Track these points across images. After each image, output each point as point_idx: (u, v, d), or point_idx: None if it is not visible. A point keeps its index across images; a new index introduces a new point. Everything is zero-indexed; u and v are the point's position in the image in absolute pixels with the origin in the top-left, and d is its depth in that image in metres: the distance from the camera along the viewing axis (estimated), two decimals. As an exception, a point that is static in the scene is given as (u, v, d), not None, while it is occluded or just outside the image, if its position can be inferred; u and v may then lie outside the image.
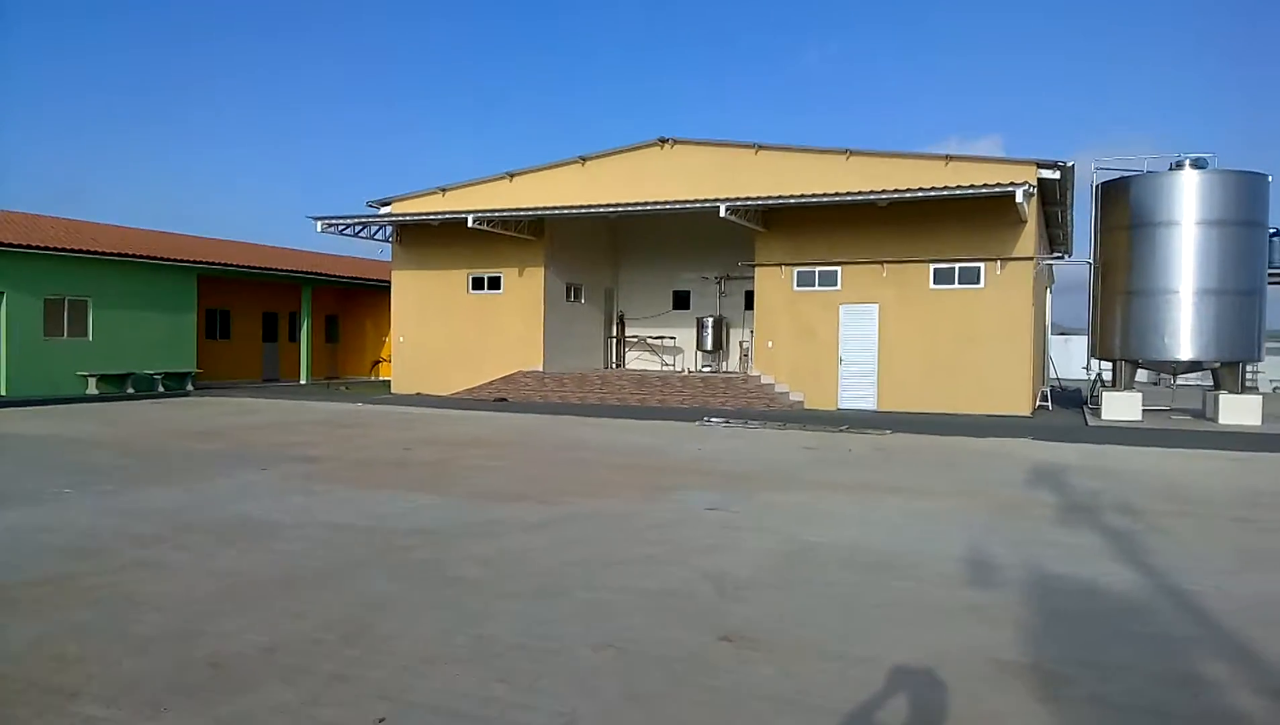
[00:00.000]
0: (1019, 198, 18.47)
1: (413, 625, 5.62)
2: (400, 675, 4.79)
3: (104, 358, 25.84)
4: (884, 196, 20.31)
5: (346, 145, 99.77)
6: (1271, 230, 31.40)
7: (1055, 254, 27.35)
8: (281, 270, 31.48)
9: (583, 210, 23.24)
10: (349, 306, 37.53)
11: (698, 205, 21.64)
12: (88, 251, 25.29)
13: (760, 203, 21.10)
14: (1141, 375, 22.86)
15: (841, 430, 18.93)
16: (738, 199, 21.14)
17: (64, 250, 24.63)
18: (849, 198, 20.60)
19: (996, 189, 18.88)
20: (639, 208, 22.95)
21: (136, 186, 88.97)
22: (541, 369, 25.25)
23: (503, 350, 25.60)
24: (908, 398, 21.74)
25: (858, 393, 22.39)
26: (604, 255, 28.94)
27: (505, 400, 24.34)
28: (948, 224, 21.16)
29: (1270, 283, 31.14)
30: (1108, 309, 21.13)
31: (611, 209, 23.09)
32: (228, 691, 4.53)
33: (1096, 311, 21.50)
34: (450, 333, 26.47)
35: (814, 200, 20.92)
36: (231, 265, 29.63)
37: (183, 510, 9.15)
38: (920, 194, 19.83)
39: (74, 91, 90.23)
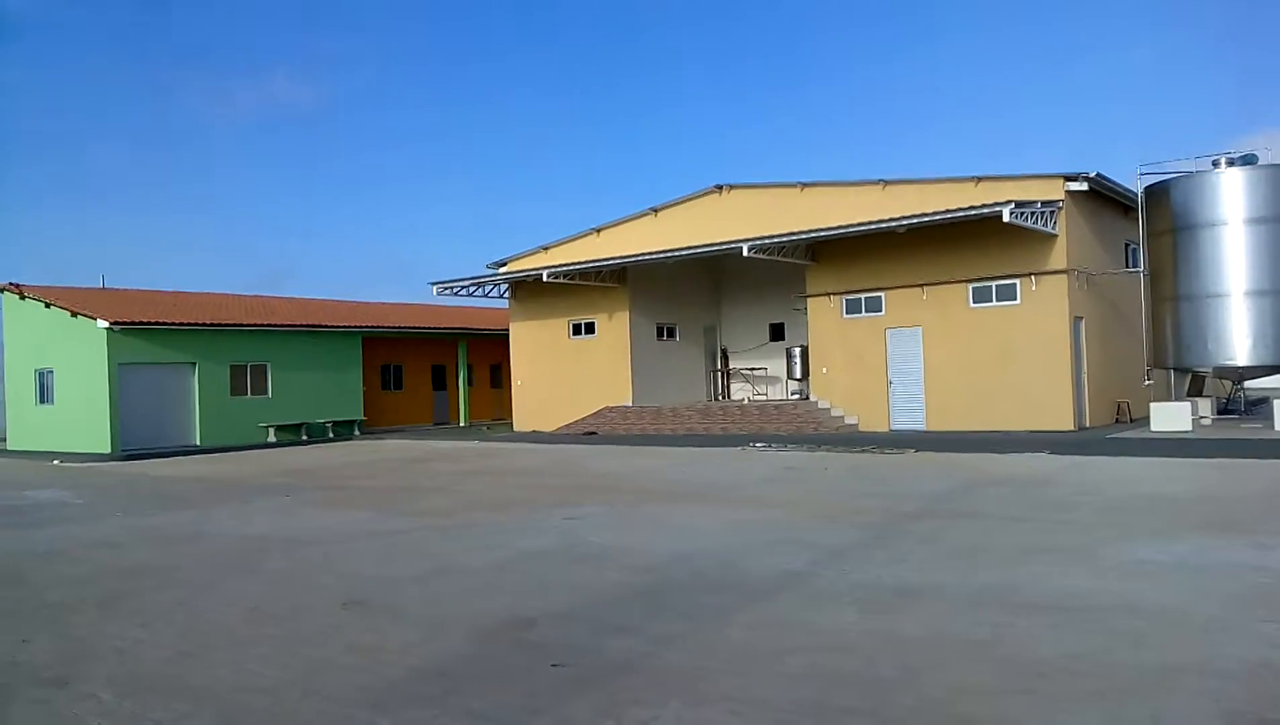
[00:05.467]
0: (1006, 217, 18.68)
1: (155, 592, 8.21)
2: (34, 616, 7.37)
3: (282, 411, 31.01)
4: (879, 226, 21.03)
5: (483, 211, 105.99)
6: None
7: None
8: (434, 328, 35.95)
9: (616, 261, 25.49)
10: (511, 355, 41.56)
11: (723, 247, 23.31)
12: (265, 324, 30.63)
13: (776, 240, 22.42)
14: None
15: (864, 451, 19.84)
16: (761, 237, 22.57)
17: (244, 325, 30.04)
18: (857, 229, 21.55)
19: (984, 210, 19.18)
20: (649, 257, 24.98)
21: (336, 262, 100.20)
22: (630, 404, 27.56)
23: (597, 388, 28.19)
24: (953, 417, 22.04)
25: (907, 414, 22.92)
26: (703, 295, 30.86)
27: (595, 433, 26.84)
28: (982, 243, 21.43)
29: None
30: (1158, 317, 20.49)
31: (625, 260, 25.16)
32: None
33: (1149, 320, 20.86)
34: (556, 375, 29.44)
35: (809, 236, 22.14)
36: (389, 327, 34.38)
37: (162, 527, 12.39)
38: (917, 220, 20.43)
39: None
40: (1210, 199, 19.38)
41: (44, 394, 30.12)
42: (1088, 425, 21.15)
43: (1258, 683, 5.02)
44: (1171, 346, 20.12)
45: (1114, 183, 21.23)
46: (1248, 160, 19.40)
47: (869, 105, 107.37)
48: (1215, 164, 19.48)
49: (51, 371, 29.64)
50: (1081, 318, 21.23)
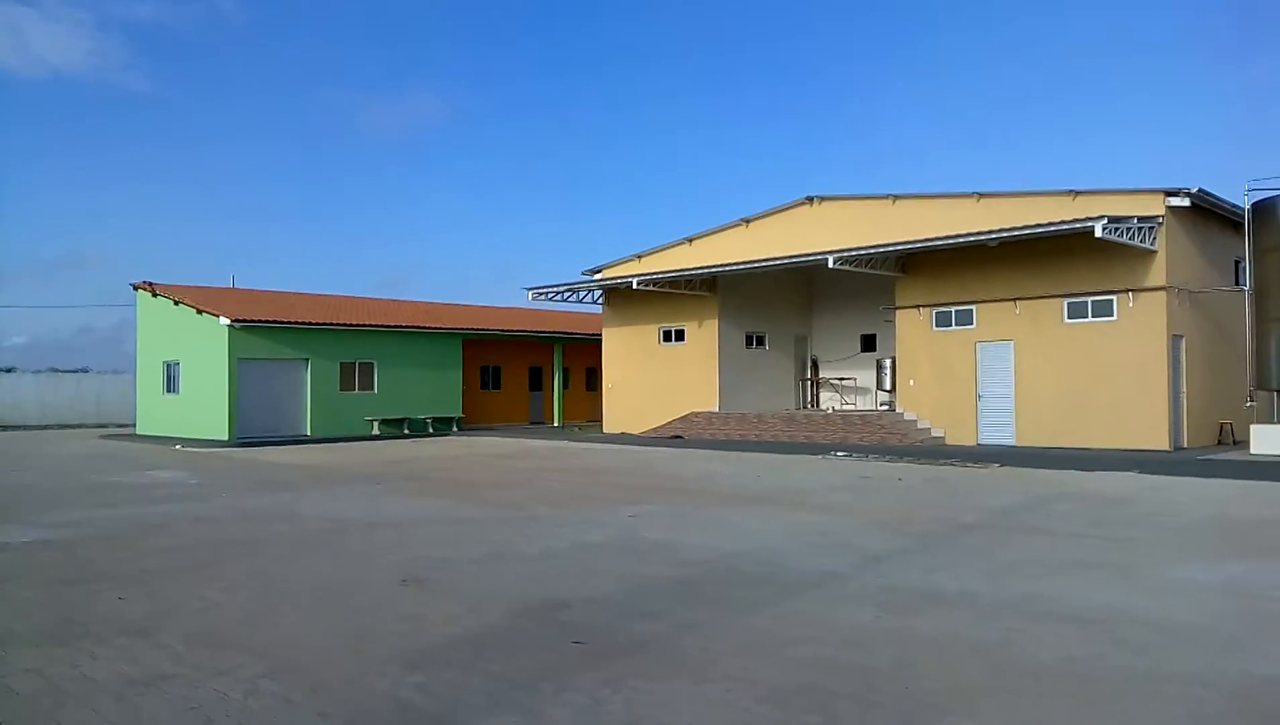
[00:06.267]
0: (1099, 232, 18.25)
1: (241, 562, 9.04)
2: (171, 581, 8.21)
3: (386, 406, 32.51)
4: (968, 239, 20.76)
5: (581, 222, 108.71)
6: None
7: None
8: (530, 331, 37.02)
9: (705, 270, 25.84)
10: (606, 359, 42.39)
11: (810, 258, 23.41)
12: (373, 325, 32.19)
13: (864, 251, 22.41)
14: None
15: (946, 464, 19.68)
16: (848, 249, 22.60)
17: (354, 325, 31.64)
18: (945, 242, 21.39)
19: (1076, 225, 18.78)
20: (737, 267, 25.34)
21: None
22: (716, 410, 27.88)
23: (685, 394, 28.62)
24: (1045, 433, 21.61)
25: (996, 428, 22.56)
26: (794, 304, 30.95)
27: (681, 437, 27.26)
28: (1078, 258, 20.98)
29: None
30: (1263, 336, 19.68)
31: (713, 269, 25.58)
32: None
33: (1253, 339, 20.04)
34: (645, 380, 30.00)
35: (895, 248, 22.12)
36: (488, 329, 35.59)
37: (261, 507, 13.42)
38: (1006, 234, 20.15)
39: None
40: (1322, 215, 18.55)
41: (170, 384, 32.36)
42: (1185, 446, 20.46)
43: (1246, 696, 5.09)
44: (1275, 367, 19.29)
45: (1218, 198, 20.50)
46: (1365, 174, 18.48)
47: (969, 116, 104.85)
48: (1331, 178, 18.64)
49: (178, 363, 31.83)
50: (1181, 336, 20.55)
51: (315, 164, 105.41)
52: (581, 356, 40.70)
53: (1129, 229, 19.20)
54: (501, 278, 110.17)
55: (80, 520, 12.25)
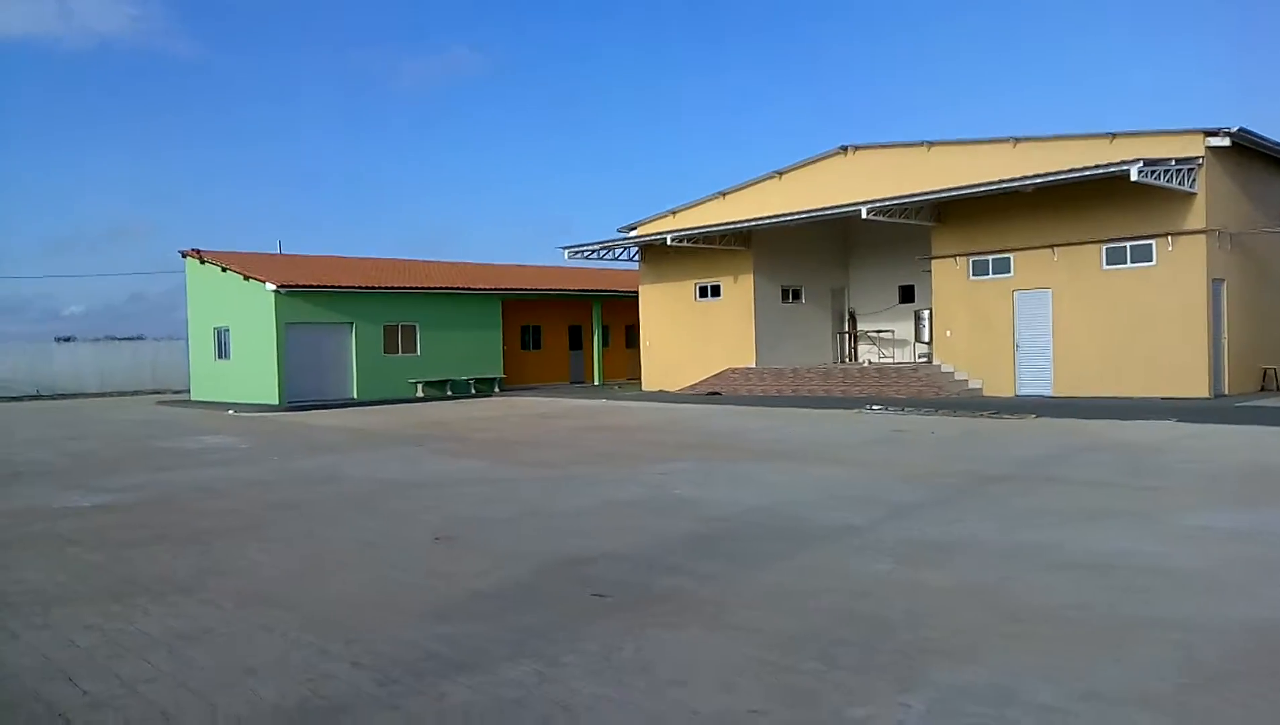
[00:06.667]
0: (1134, 176, 17.95)
1: (287, 523, 9.51)
2: (240, 530, 8.68)
3: (429, 368, 33.13)
4: (1002, 186, 20.49)
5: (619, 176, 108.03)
6: None
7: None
8: (568, 290, 37.32)
9: (738, 225, 25.80)
10: (645, 315, 42.52)
11: (842, 209, 23.28)
12: (414, 287, 32.71)
13: (897, 201, 22.23)
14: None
15: (981, 416, 19.71)
16: (881, 199, 22.45)
17: (396, 288, 32.18)
18: (979, 189, 21.13)
19: (1111, 168, 18.47)
20: (769, 220, 25.24)
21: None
22: (753, 365, 28.03)
23: (722, 350, 28.78)
24: (1083, 382, 21.46)
25: (1034, 378, 22.45)
26: (830, 257, 30.82)
27: (718, 393, 27.49)
28: (1116, 202, 20.66)
29: None
30: (1309, 278, 19.30)
31: (746, 224, 25.49)
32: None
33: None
34: (682, 336, 30.19)
35: (929, 196, 21.85)
36: (527, 289, 35.95)
37: (308, 470, 13.96)
38: (1040, 179, 19.88)
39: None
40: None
41: (221, 350, 33.26)
42: (1226, 392, 20.24)
43: (1236, 640, 5.25)
44: (1322, 310, 18.95)
45: (1260, 137, 20.00)
46: None
47: (1015, 55, 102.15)
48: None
49: (228, 329, 32.69)
50: (1223, 280, 20.22)
51: (355, 125, 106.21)
52: (621, 314, 40.93)
53: (1167, 171, 18.85)
54: (538, 236, 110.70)
55: (139, 485, 12.87)
